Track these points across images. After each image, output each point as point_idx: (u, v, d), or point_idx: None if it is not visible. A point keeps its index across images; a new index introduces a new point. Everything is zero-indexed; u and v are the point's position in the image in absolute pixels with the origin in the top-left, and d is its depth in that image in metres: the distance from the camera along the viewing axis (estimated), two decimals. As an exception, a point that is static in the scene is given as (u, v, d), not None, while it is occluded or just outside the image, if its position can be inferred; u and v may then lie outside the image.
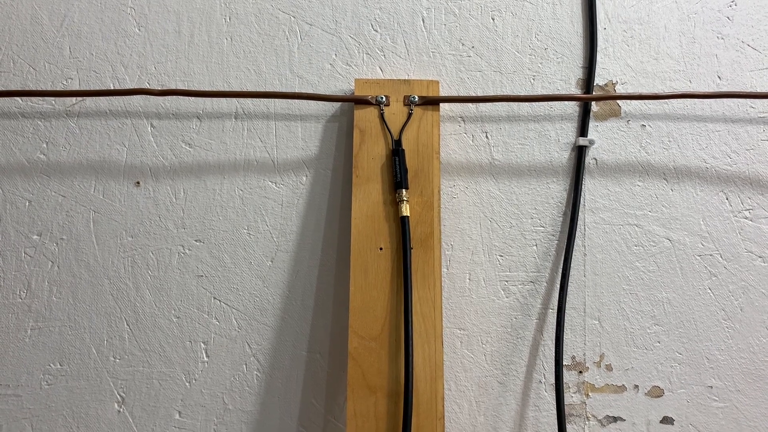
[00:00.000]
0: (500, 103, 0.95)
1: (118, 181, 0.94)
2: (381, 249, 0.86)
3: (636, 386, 0.92)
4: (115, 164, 0.94)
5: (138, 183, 0.94)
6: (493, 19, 0.98)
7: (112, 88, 0.95)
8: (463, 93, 0.96)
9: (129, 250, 0.93)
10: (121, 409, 0.91)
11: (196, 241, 0.93)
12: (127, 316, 0.92)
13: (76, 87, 0.95)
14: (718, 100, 0.96)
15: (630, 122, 0.96)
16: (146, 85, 0.96)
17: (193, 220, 0.93)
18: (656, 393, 0.92)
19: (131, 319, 0.92)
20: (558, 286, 0.92)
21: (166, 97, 0.95)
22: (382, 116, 0.90)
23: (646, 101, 0.96)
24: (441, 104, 0.93)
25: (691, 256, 0.94)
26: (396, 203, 0.87)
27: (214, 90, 0.95)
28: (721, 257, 0.94)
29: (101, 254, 0.93)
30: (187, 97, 0.95)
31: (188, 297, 0.92)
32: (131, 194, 0.94)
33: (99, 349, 0.91)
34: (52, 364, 0.91)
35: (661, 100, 0.96)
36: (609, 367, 0.92)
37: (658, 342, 0.93)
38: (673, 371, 0.92)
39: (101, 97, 0.95)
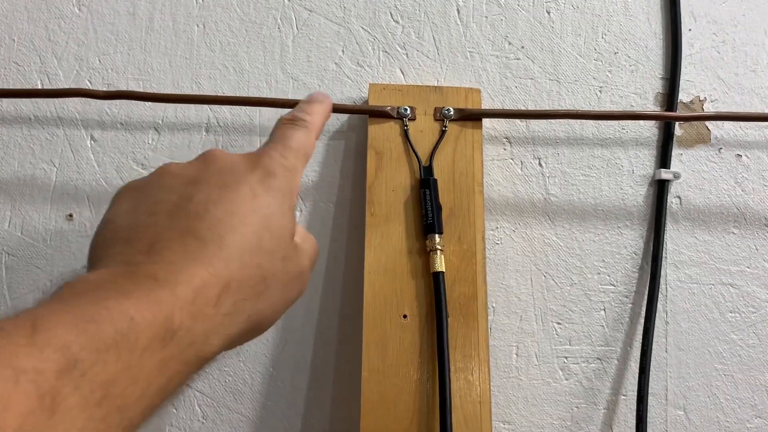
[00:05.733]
0: (557, 120, 0.74)
1: (44, 212, 0.70)
2: (405, 317, 0.62)
3: (734, 500, 0.70)
4: (40, 189, 0.70)
5: (71, 216, 0.70)
6: (548, 13, 0.76)
7: (39, 86, 0.72)
8: (509, 106, 0.74)
9: (54, 308, 0.68)
10: None
11: (147, 297, 0.69)
12: (48, 400, 0.67)
13: (-10, 84, 0.72)
14: (833, 124, 0.76)
15: (722, 151, 0.75)
16: (87, 84, 0.72)
17: (145, 269, 0.69)
18: None
19: (54, 404, 0.67)
20: (634, 365, 0.70)
21: (114, 101, 0.71)
22: (405, 134, 0.68)
23: (743, 124, 0.75)
24: (483, 120, 0.70)
25: (801, 326, 0.73)
26: (426, 253, 0.64)
27: (179, 93, 0.72)
28: (841, 329, 0.72)
29: (15, 313, 0.68)
30: (141, 102, 0.71)
31: (134, 374, 0.68)
32: (61, 231, 0.70)
33: (6, 447, 0.66)
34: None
35: (761, 123, 0.75)
36: (698, 474, 0.70)
37: (762, 440, 0.71)
38: (782, 480, 0.71)
39: (23, 99, 0.71)
